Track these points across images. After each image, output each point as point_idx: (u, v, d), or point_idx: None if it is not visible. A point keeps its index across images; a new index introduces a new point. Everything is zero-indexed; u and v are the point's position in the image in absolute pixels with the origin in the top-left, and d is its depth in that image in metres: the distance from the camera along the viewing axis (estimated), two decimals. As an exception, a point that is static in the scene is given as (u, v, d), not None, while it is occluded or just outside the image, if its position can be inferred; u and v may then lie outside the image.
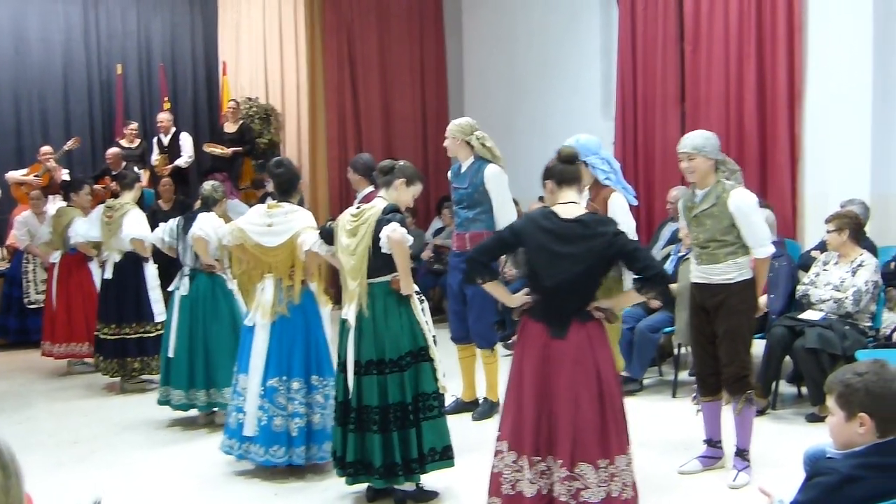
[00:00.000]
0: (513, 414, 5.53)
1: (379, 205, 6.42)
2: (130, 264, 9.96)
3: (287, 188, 7.39)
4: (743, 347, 6.81)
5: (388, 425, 6.26)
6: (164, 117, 14.89)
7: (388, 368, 6.27)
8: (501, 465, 5.51)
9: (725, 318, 6.76)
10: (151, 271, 10.07)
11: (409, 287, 6.39)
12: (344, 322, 6.43)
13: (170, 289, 8.88)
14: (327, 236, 6.74)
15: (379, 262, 6.31)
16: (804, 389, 8.85)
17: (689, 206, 6.90)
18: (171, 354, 8.63)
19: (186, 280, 8.64)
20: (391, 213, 6.35)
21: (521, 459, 5.41)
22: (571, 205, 5.51)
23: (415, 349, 6.37)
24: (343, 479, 6.54)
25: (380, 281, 6.36)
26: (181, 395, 8.60)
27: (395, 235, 6.18)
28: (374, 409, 6.25)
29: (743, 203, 6.63)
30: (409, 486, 6.47)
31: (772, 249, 6.86)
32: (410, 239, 6.36)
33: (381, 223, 6.27)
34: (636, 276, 5.40)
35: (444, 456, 6.45)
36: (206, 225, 8.32)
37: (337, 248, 6.55)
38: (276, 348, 7.15)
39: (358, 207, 6.53)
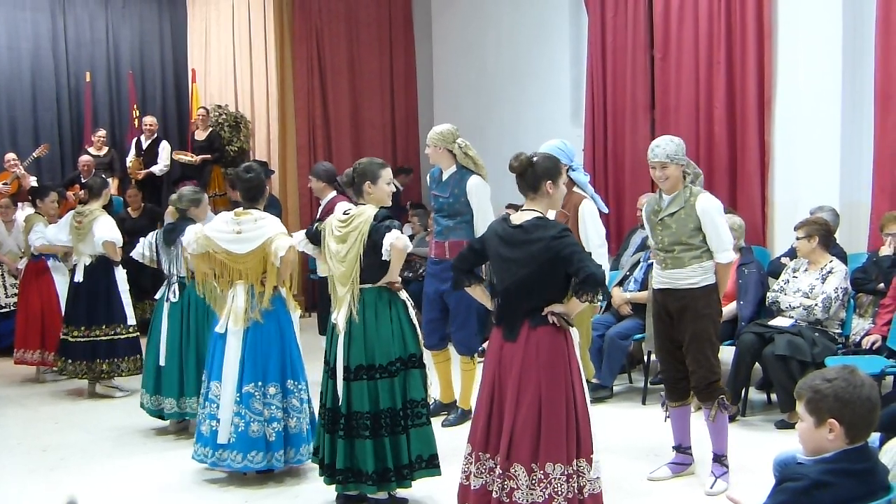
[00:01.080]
0: (474, 412, 5.79)
1: (368, 211, 6.39)
2: (101, 267, 9.92)
3: (255, 195, 7.37)
4: (711, 352, 6.80)
5: (380, 431, 6.25)
6: (150, 121, 14.98)
7: (379, 374, 6.27)
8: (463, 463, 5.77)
9: (690, 322, 6.76)
10: (121, 275, 10.04)
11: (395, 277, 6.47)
12: (334, 327, 6.42)
13: (156, 297, 8.85)
14: (314, 237, 6.73)
15: (370, 268, 6.32)
16: (774, 396, 8.87)
17: (656, 210, 6.91)
18: (162, 363, 8.57)
19: (176, 287, 8.57)
20: (385, 219, 6.34)
21: (472, 453, 5.63)
22: (525, 211, 5.60)
23: (404, 356, 6.38)
24: (331, 486, 6.53)
25: (370, 287, 6.36)
26: (173, 404, 8.53)
27: (399, 244, 6.21)
28: (364, 415, 6.24)
29: (710, 206, 6.67)
30: (381, 495, 6.44)
31: (734, 256, 6.89)
32: (410, 245, 6.47)
33: (377, 230, 6.26)
34: (574, 280, 5.45)
35: (430, 464, 6.45)
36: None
37: (325, 253, 6.54)
38: (251, 354, 7.13)
39: (345, 213, 6.50)
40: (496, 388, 5.55)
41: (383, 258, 6.28)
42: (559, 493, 5.34)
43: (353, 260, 6.28)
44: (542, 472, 5.34)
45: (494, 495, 5.41)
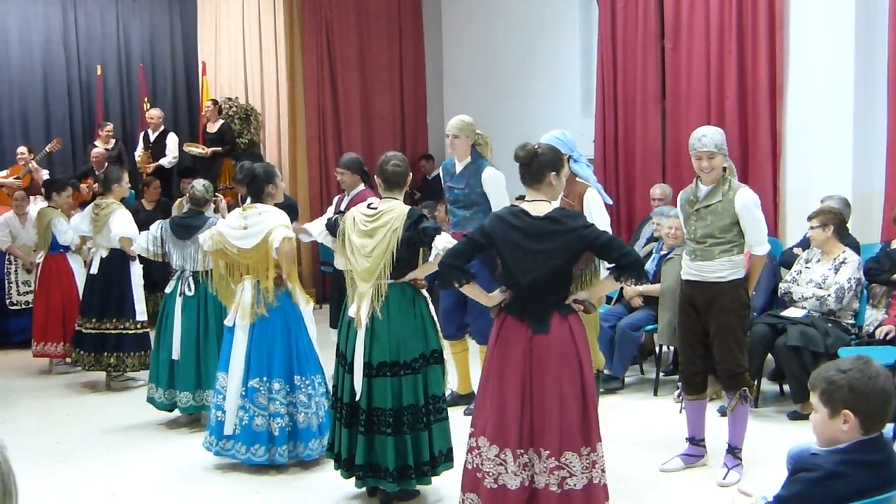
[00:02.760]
0: (494, 409, 5.58)
1: (399, 207, 6.36)
2: (117, 261, 9.94)
3: (253, 191, 7.41)
4: (735, 346, 6.77)
5: (402, 428, 6.23)
6: (154, 114, 14.97)
7: (403, 371, 6.25)
8: (479, 461, 5.59)
9: (716, 316, 6.75)
10: (137, 270, 10.06)
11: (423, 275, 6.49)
12: (351, 321, 6.40)
13: (166, 291, 8.79)
14: (332, 228, 6.68)
15: (398, 264, 6.28)
16: (786, 387, 8.85)
17: (691, 201, 6.86)
18: (175, 357, 8.56)
19: (190, 282, 8.54)
20: (421, 217, 6.34)
21: (504, 453, 5.47)
22: (540, 202, 5.56)
23: (426, 352, 6.36)
24: (350, 479, 6.53)
25: (394, 283, 6.33)
26: (188, 397, 8.54)
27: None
28: (387, 412, 6.22)
29: (749, 201, 6.62)
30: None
31: (769, 248, 6.85)
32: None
33: (424, 231, 6.24)
34: (613, 265, 5.45)
35: (447, 458, 6.47)
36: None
37: (346, 246, 6.47)
38: (257, 349, 7.18)
39: (371, 206, 6.45)
40: (527, 384, 5.45)
41: (430, 259, 6.28)
42: (605, 469, 5.50)
43: (381, 256, 6.23)
44: (594, 453, 5.42)
45: (552, 488, 5.36)
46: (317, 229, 6.92)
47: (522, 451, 5.45)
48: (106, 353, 9.97)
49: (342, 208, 9.48)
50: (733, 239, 6.66)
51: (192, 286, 8.53)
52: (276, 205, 7.49)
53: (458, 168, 8.60)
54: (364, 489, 6.62)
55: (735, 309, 6.75)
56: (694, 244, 6.83)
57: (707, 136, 6.65)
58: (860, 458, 3.72)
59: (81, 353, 10.09)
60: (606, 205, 7.66)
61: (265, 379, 7.14)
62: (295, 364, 7.26)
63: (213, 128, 14.95)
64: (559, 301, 5.49)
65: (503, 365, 5.57)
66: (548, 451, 5.37)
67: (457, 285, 5.69)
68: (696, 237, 6.79)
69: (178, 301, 8.57)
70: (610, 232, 7.49)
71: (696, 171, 6.77)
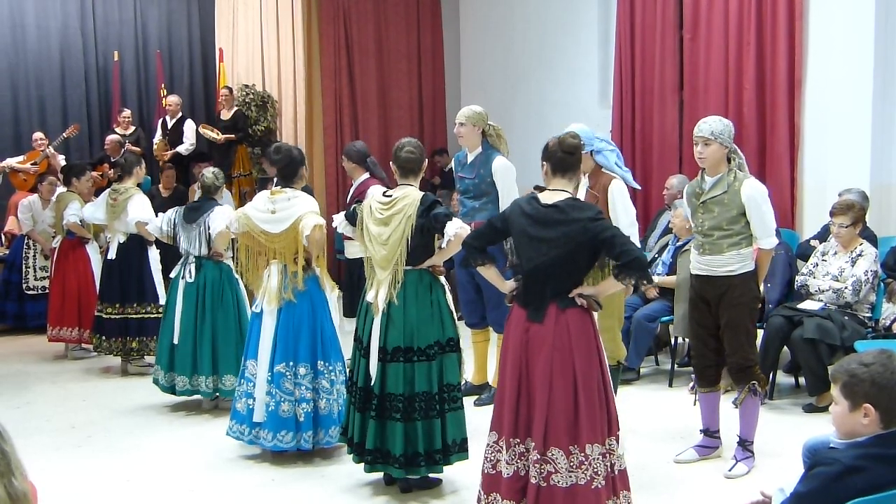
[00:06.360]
0: (497, 396, 5.64)
1: (413, 194, 6.36)
2: (134, 246, 10.05)
3: (286, 174, 7.39)
4: (745, 339, 6.74)
5: (413, 414, 6.23)
6: (173, 100, 15.01)
7: (416, 357, 6.24)
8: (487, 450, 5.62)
9: (726, 310, 6.72)
10: (154, 255, 10.16)
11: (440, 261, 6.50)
12: (369, 306, 6.41)
13: (171, 275, 8.91)
14: (351, 218, 6.68)
15: (415, 251, 6.30)
16: (802, 380, 8.84)
17: (697, 193, 6.83)
18: (175, 341, 8.66)
19: (192, 267, 8.64)
20: (434, 203, 6.34)
21: (501, 440, 5.47)
22: (558, 192, 5.50)
23: (442, 340, 6.35)
24: (360, 464, 6.51)
25: (412, 269, 6.33)
26: (185, 382, 8.64)
27: (463, 233, 6.16)
28: (398, 397, 6.22)
29: (756, 193, 6.56)
30: (412, 476, 6.44)
31: (776, 241, 6.78)
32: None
33: (434, 218, 6.25)
34: (614, 263, 5.38)
35: (461, 448, 6.44)
36: (228, 217, 8.23)
37: (363, 234, 6.50)
38: (283, 334, 7.18)
39: (386, 195, 6.47)
40: (523, 372, 5.42)
41: (441, 245, 6.31)
42: (598, 472, 5.28)
43: (397, 243, 6.25)
44: (581, 454, 5.25)
45: (532, 480, 5.29)
46: (338, 220, 6.92)
47: (518, 440, 5.41)
48: (129, 338, 10.08)
49: (349, 199, 9.54)
50: (741, 231, 6.63)
51: (193, 272, 8.63)
52: None
53: (469, 158, 8.61)
54: (380, 478, 6.63)
55: (745, 302, 6.72)
56: (702, 237, 6.81)
57: (706, 123, 6.70)
58: (879, 451, 3.71)
59: (103, 339, 10.17)
60: (633, 190, 7.62)
61: (291, 364, 7.15)
62: (319, 349, 7.26)
63: (226, 115, 14.98)
64: (560, 292, 5.39)
65: (505, 352, 5.59)
66: (534, 444, 5.31)
67: (475, 265, 5.78)
68: (704, 230, 6.77)
69: (181, 285, 8.69)
70: (634, 224, 7.45)
71: (696, 158, 6.79)
